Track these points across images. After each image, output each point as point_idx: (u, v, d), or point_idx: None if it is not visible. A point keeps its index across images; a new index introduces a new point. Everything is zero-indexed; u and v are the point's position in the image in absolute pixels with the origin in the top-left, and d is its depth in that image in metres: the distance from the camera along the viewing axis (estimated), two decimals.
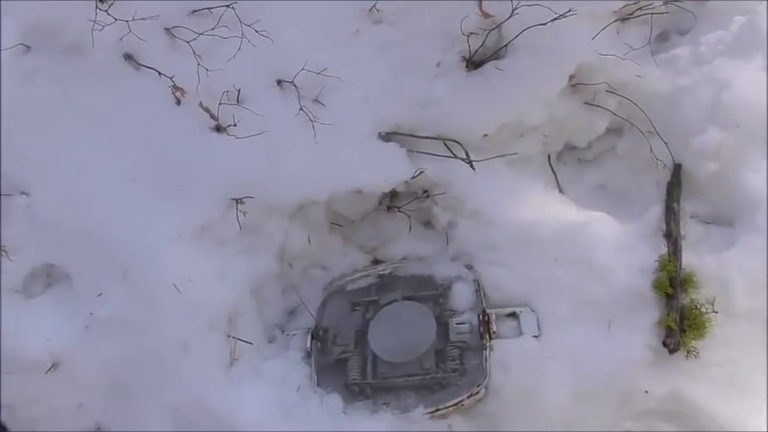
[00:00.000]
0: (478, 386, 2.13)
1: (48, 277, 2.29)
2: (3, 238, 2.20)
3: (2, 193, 2.20)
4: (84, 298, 2.19)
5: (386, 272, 2.44)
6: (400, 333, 2.28)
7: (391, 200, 2.45)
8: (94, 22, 2.19)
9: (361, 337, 2.33)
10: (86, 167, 2.23)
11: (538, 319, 2.25)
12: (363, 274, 2.45)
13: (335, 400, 2.19)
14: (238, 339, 2.25)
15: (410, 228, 2.46)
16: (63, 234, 2.21)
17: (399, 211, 2.43)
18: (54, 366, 2.15)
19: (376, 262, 2.50)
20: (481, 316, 2.25)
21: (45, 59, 2.33)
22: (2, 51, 2.20)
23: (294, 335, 2.40)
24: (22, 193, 2.24)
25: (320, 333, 2.35)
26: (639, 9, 2.36)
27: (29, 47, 2.33)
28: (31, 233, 2.21)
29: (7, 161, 2.23)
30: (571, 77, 2.34)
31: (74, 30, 2.32)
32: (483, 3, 2.26)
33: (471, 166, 2.31)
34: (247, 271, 2.34)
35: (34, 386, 2.14)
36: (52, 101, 2.29)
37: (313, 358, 2.30)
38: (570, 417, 2.11)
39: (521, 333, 2.23)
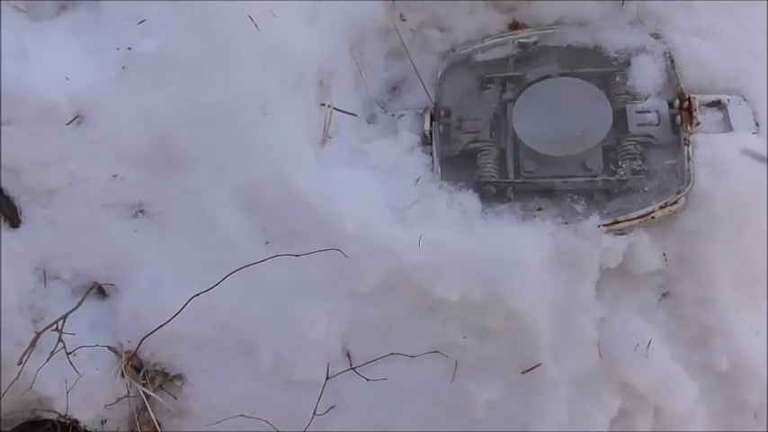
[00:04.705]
0: (678, 193, 1.49)
1: None
2: None
3: None
4: (118, 25, 1.51)
5: (530, 40, 1.77)
6: (560, 119, 1.64)
7: None
8: None
9: (498, 123, 1.68)
10: None
11: (753, 111, 1.60)
12: (498, 41, 1.78)
13: (471, 199, 1.56)
14: (336, 110, 1.59)
15: None
16: None
17: None
18: (77, 119, 1.49)
19: (514, 26, 1.80)
20: (678, 102, 1.59)
21: None
22: None
23: (402, 116, 1.75)
24: None
25: (440, 115, 1.69)
26: None
27: None
28: None
29: None
30: None
31: None
32: None
33: None
34: (347, 17, 1.65)
35: (49, 144, 1.49)
36: None
37: (434, 145, 1.65)
38: None
39: (730, 128, 1.59)
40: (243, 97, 1.49)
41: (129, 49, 1.48)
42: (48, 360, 1.37)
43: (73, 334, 1.41)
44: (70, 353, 1.38)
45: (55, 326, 1.37)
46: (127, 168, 1.50)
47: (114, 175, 1.50)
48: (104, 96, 1.48)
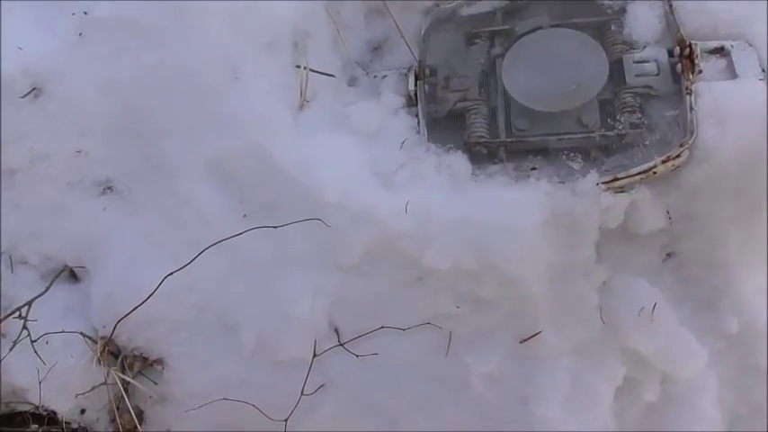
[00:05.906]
0: (681, 146, 1.40)
1: None
2: None
3: None
4: None
5: None
6: (553, 73, 1.54)
7: None
8: None
9: (487, 80, 1.58)
10: None
11: (759, 57, 1.50)
12: None
13: (460, 161, 1.46)
14: (313, 71, 1.49)
15: None
16: None
17: None
18: (34, 92, 1.39)
19: None
20: (678, 49, 1.49)
21: None
22: None
23: (385, 76, 1.65)
24: None
25: (425, 74, 1.59)
26: None
27: None
28: None
29: None
30: None
31: None
32: None
33: None
34: None
35: (4, 120, 1.40)
36: None
37: (420, 105, 1.56)
38: None
39: (734, 75, 1.49)
40: (211, 62, 1.39)
41: (85, 14, 1.38)
42: (11, 350, 1.30)
43: (35, 321, 1.32)
44: (35, 340, 1.30)
45: (18, 313, 1.28)
46: (91, 143, 1.41)
47: (78, 151, 1.41)
48: (61, 66, 1.38)
